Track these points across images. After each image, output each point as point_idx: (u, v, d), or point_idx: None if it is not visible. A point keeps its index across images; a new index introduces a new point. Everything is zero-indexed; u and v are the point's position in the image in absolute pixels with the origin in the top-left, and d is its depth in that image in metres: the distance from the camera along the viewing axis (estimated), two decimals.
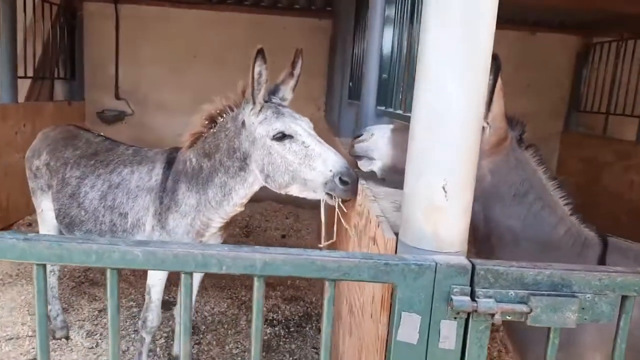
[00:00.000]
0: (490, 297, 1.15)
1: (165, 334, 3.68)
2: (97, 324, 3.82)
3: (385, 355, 1.28)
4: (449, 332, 1.16)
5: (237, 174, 2.44)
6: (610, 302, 1.17)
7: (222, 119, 2.49)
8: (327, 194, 2.19)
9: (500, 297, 1.15)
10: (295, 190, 2.30)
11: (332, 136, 3.90)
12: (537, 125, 1.98)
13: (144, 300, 2.93)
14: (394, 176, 2.06)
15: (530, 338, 1.80)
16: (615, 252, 1.87)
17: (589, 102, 7.19)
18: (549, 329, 1.18)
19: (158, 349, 3.50)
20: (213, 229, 2.64)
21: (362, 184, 2.08)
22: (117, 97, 7.60)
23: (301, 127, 2.30)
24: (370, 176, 2.14)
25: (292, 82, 2.47)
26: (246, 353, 3.55)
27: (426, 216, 1.25)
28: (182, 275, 1.16)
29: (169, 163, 2.74)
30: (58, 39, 6.85)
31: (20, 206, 5.79)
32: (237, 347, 3.62)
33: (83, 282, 4.51)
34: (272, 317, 4.09)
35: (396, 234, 1.38)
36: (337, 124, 4.71)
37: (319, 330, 3.90)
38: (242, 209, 2.60)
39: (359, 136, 2.15)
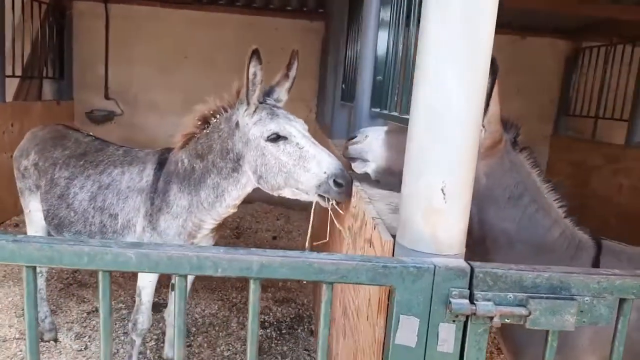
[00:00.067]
0: (489, 300, 1.14)
1: (155, 336, 3.63)
2: (86, 326, 3.76)
3: (382, 358, 1.26)
4: (447, 335, 1.15)
5: (230, 175, 2.41)
6: (608, 305, 1.17)
7: (215, 120, 2.46)
8: (320, 196, 2.18)
9: (499, 300, 1.14)
10: (288, 192, 2.28)
11: (325, 138, 3.88)
12: (526, 128, 1.99)
13: (134, 302, 2.89)
14: (388, 178, 2.05)
15: (525, 340, 1.80)
16: (609, 254, 1.88)
17: (578, 106, 7.27)
18: (547, 331, 1.18)
19: (148, 352, 3.46)
20: (205, 230, 2.61)
21: (357, 186, 2.07)
22: (107, 97, 7.52)
23: (295, 128, 2.29)
24: (364, 178, 2.13)
25: (287, 84, 2.46)
26: (237, 355, 3.52)
27: (425, 218, 1.23)
28: (177, 278, 1.13)
29: (161, 164, 2.71)
30: (47, 38, 6.77)
31: (7, 206, 5.69)
32: (229, 349, 3.59)
33: (71, 283, 4.45)
34: (264, 319, 4.06)
35: (393, 236, 1.36)
36: (329, 126, 4.70)
37: (311, 332, 3.89)
38: (235, 210, 2.57)
39: (352, 138, 2.14)
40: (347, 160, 2.15)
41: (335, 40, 5.14)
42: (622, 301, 1.18)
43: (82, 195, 2.79)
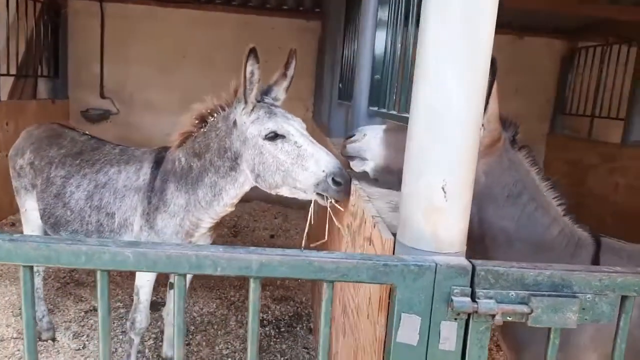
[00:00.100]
0: (490, 298, 1.13)
1: (153, 335, 3.62)
2: (83, 325, 3.74)
3: (383, 357, 1.26)
4: (449, 333, 1.14)
5: (228, 173, 2.40)
6: (610, 303, 1.16)
7: (213, 119, 2.45)
8: (319, 194, 2.17)
9: (501, 297, 1.14)
10: (286, 191, 2.27)
11: (322, 136, 3.87)
12: (523, 127, 1.99)
13: (132, 301, 2.88)
14: (386, 177, 2.04)
15: (526, 337, 1.80)
16: (608, 252, 1.88)
17: (574, 105, 7.29)
18: (549, 329, 1.17)
19: (147, 350, 3.44)
20: (203, 229, 2.60)
21: (355, 185, 2.06)
22: (102, 96, 7.49)
23: (293, 127, 2.28)
24: (363, 177, 2.12)
25: (285, 83, 2.45)
26: (236, 353, 3.51)
27: (425, 216, 1.23)
28: (176, 277, 1.12)
29: (157, 162, 2.69)
30: (42, 37, 6.72)
31: (3, 205, 5.66)
32: (227, 348, 3.58)
33: (68, 282, 4.42)
34: (262, 317, 4.05)
35: (393, 235, 1.36)
36: (326, 125, 4.69)
37: (310, 330, 3.88)
38: (233, 209, 2.56)
39: (351, 136, 2.13)
40: (346, 158, 2.14)
41: (332, 40, 5.14)
42: (623, 298, 1.17)
43: (78, 194, 2.77)
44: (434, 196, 1.22)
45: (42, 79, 6.97)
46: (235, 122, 2.32)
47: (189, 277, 3.10)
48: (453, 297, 1.12)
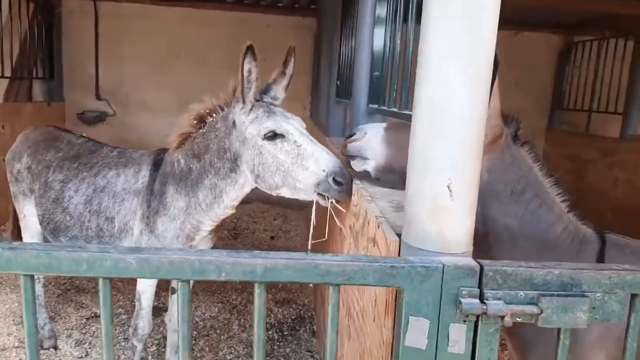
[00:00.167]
0: (499, 298, 1.12)
1: (156, 341, 3.59)
2: (85, 333, 3.71)
3: None
4: (458, 336, 1.13)
5: (228, 175, 2.37)
6: (620, 301, 1.15)
7: (211, 119, 2.43)
8: (320, 194, 2.15)
9: (510, 298, 1.12)
10: (286, 192, 2.25)
11: (321, 135, 3.85)
12: (523, 123, 1.98)
13: (133, 306, 2.85)
14: (388, 176, 2.02)
15: (533, 338, 1.79)
16: (613, 248, 1.86)
17: (571, 100, 7.28)
18: (558, 329, 1.16)
19: (150, 357, 3.42)
20: (203, 232, 2.57)
21: (357, 184, 2.04)
22: (98, 97, 7.43)
23: (293, 126, 2.25)
24: (364, 176, 2.10)
25: (284, 81, 2.42)
26: (240, 358, 3.48)
27: (431, 216, 1.21)
28: (179, 284, 1.10)
29: (156, 165, 2.66)
30: (36, 38, 6.66)
31: (2, 211, 5.60)
32: (231, 353, 3.55)
33: (69, 289, 4.39)
34: (265, 320, 4.01)
35: (398, 235, 1.34)
36: (324, 123, 4.67)
37: (313, 333, 3.86)
38: (233, 211, 2.54)
39: (351, 135, 2.11)
40: (346, 158, 2.12)
41: (328, 37, 5.11)
42: (633, 296, 1.16)
43: (77, 199, 2.74)
44: (439, 195, 1.20)
45: (37, 81, 6.92)
46: (234, 122, 2.30)
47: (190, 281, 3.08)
48: (461, 299, 1.10)
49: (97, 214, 2.68)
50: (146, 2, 7.22)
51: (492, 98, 1.71)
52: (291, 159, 2.17)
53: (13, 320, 3.80)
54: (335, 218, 2.12)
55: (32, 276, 1.06)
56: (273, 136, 2.21)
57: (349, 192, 2.09)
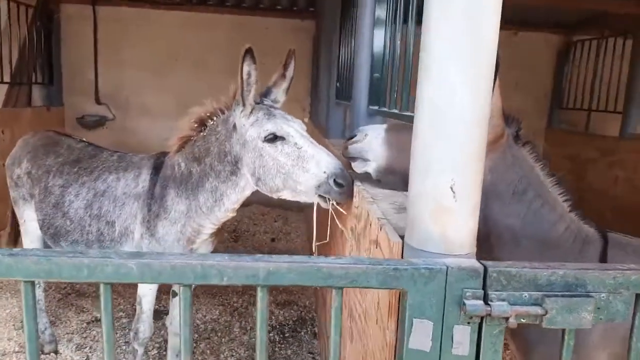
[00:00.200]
0: (503, 300, 1.11)
1: (157, 345, 3.58)
2: (86, 337, 3.70)
3: None
4: (462, 338, 1.12)
5: (229, 178, 2.37)
6: (624, 301, 1.14)
7: (212, 122, 2.42)
8: (321, 196, 2.14)
9: (514, 299, 1.11)
10: (287, 194, 2.24)
11: (321, 137, 3.85)
12: (523, 123, 1.98)
13: (134, 310, 2.84)
14: (389, 177, 2.02)
15: (535, 338, 1.78)
16: (615, 247, 1.86)
17: (571, 99, 7.27)
18: (562, 330, 1.15)
19: None
20: (204, 235, 2.57)
21: (358, 186, 2.03)
22: (98, 101, 7.43)
23: (293, 128, 2.25)
24: (366, 178, 2.09)
25: (284, 84, 2.42)
26: None
27: (434, 218, 1.20)
28: (181, 288, 1.09)
29: (156, 168, 2.66)
30: (35, 43, 6.66)
31: (1, 217, 5.59)
32: (232, 356, 3.54)
33: (70, 293, 4.38)
34: (267, 323, 4.00)
35: (401, 237, 1.33)
36: (324, 125, 4.67)
37: (315, 335, 3.85)
38: (234, 214, 2.53)
39: (352, 137, 2.10)
40: (347, 159, 2.11)
41: (327, 39, 5.11)
42: (638, 296, 1.15)
43: (77, 203, 2.73)
44: (442, 196, 1.19)
45: (36, 86, 6.91)
46: (234, 126, 2.30)
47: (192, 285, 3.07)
48: (465, 301, 1.10)
49: (98, 219, 2.67)
50: (145, 6, 7.22)
51: (493, 98, 1.71)
52: (292, 161, 2.17)
53: (13, 325, 3.79)
54: (337, 220, 2.11)
55: (32, 282, 1.05)
56: (273, 138, 2.20)
57: (350, 194, 2.08)
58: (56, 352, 3.48)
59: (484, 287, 1.11)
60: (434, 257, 1.18)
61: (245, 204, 2.49)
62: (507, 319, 1.10)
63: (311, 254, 2.25)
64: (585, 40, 7.00)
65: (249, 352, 3.57)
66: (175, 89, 7.08)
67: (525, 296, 1.12)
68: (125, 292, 4.30)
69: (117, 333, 3.72)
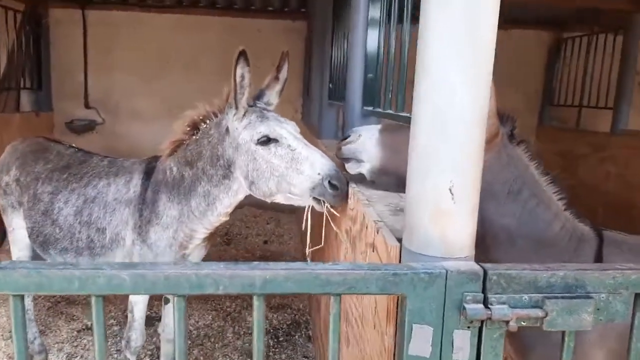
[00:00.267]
0: (503, 303, 1.09)
1: (149, 352, 3.54)
2: (77, 346, 3.65)
3: None
4: (462, 343, 1.10)
5: (221, 182, 2.34)
6: (624, 301, 1.13)
7: (205, 125, 2.39)
8: (315, 199, 2.12)
9: (514, 302, 1.10)
10: (281, 198, 2.22)
11: (314, 138, 3.83)
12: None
13: (126, 317, 2.81)
14: (383, 178, 2.00)
15: (532, 340, 1.77)
16: (611, 245, 1.86)
17: (562, 96, 7.31)
18: (562, 332, 1.14)
19: None
20: (197, 240, 2.54)
21: (353, 188, 2.02)
22: (87, 106, 7.35)
23: (287, 130, 2.23)
24: (358, 179, 2.07)
25: (277, 86, 2.40)
26: None
27: (433, 220, 1.18)
28: (175, 299, 1.07)
29: (148, 173, 2.62)
30: (23, 48, 6.58)
31: None
32: None
33: (59, 301, 4.32)
34: (264, 333, 3.96)
35: (398, 240, 1.31)
36: (316, 126, 4.64)
37: (309, 338, 3.83)
38: (227, 218, 2.50)
39: (346, 138, 2.08)
40: (341, 160, 2.09)
41: (319, 39, 5.09)
42: (637, 296, 1.14)
43: (67, 210, 2.69)
44: (441, 198, 1.17)
45: (25, 91, 6.83)
46: (227, 129, 2.27)
47: None
48: (465, 305, 1.08)
49: (88, 225, 2.63)
50: (135, 9, 7.16)
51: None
52: (285, 163, 2.15)
53: (1, 335, 3.73)
54: (331, 223, 2.09)
55: (22, 296, 1.02)
56: (266, 141, 2.18)
57: (345, 196, 2.07)
58: None
59: (484, 291, 1.10)
60: (433, 261, 1.16)
61: (237, 206, 2.46)
62: (507, 322, 1.08)
63: (305, 257, 2.23)
64: (575, 37, 7.03)
65: (243, 357, 3.54)
66: (166, 92, 7.03)
67: (525, 299, 1.10)
68: (116, 300, 4.25)
69: (108, 341, 3.68)
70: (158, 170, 2.58)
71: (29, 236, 2.92)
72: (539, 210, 1.86)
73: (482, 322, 1.09)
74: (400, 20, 2.09)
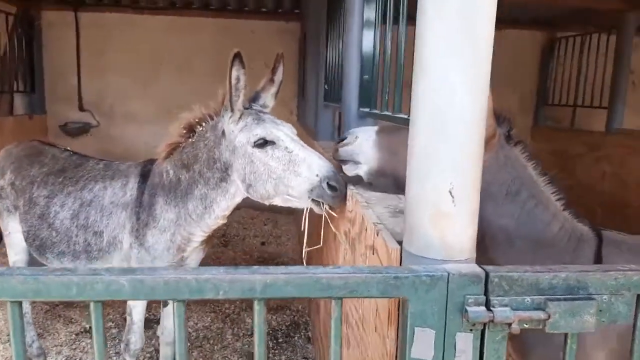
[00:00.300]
0: (505, 305, 1.09)
1: (148, 355, 3.52)
2: (75, 348, 3.62)
3: None
4: (465, 346, 1.10)
5: (218, 185, 2.33)
6: (626, 302, 1.13)
7: (201, 128, 2.38)
8: (314, 201, 2.11)
9: (516, 304, 1.09)
10: (279, 200, 2.21)
11: (310, 140, 3.82)
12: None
13: (124, 320, 2.79)
14: (380, 180, 1.99)
15: (533, 341, 1.77)
16: (610, 245, 1.85)
17: (556, 95, 7.34)
18: (565, 334, 1.13)
19: None
20: (195, 243, 2.52)
21: (352, 189, 2.01)
22: (81, 108, 7.32)
23: (283, 132, 2.22)
24: (357, 181, 2.07)
25: (273, 89, 2.39)
26: None
27: (433, 223, 1.18)
28: (175, 304, 1.05)
29: (144, 176, 2.61)
30: (16, 51, 6.53)
31: None
32: None
33: (57, 304, 4.28)
34: (266, 337, 3.95)
35: (399, 243, 1.31)
36: (312, 127, 4.64)
37: (309, 340, 3.82)
38: (224, 221, 2.49)
39: (342, 140, 2.08)
40: (338, 162, 2.09)
41: (313, 40, 5.08)
42: (639, 297, 1.14)
43: (63, 214, 2.66)
44: (441, 200, 1.17)
45: (18, 94, 6.78)
46: (223, 132, 2.26)
47: None
48: (467, 307, 1.07)
49: (85, 229, 2.61)
50: (128, 11, 7.13)
51: None
52: (283, 165, 2.13)
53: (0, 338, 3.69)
54: (331, 225, 2.08)
55: (20, 303, 1.01)
56: (263, 143, 2.17)
57: (343, 198, 2.06)
58: None
59: (486, 293, 1.09)
60: (434, 264, 1.15)
61: (235, 208, 2.45)
62: (509, 324, 1.08)
63: (302, 261, 2.21)
64: (569, 37, 7.06)
65: (243, 359, 3.53)
66: (160, 94, 7.01)
67: (528, 301, 1.10)
68: (114, 303, 4.22)
69: (107, 344, 3.65)
70: (154, 173, 2.57)
71: (25, 240, 2.89)
72: (538, 211, 1.86)
73: (484, 324, 1.09)
74: (395, 20, 2.09)
